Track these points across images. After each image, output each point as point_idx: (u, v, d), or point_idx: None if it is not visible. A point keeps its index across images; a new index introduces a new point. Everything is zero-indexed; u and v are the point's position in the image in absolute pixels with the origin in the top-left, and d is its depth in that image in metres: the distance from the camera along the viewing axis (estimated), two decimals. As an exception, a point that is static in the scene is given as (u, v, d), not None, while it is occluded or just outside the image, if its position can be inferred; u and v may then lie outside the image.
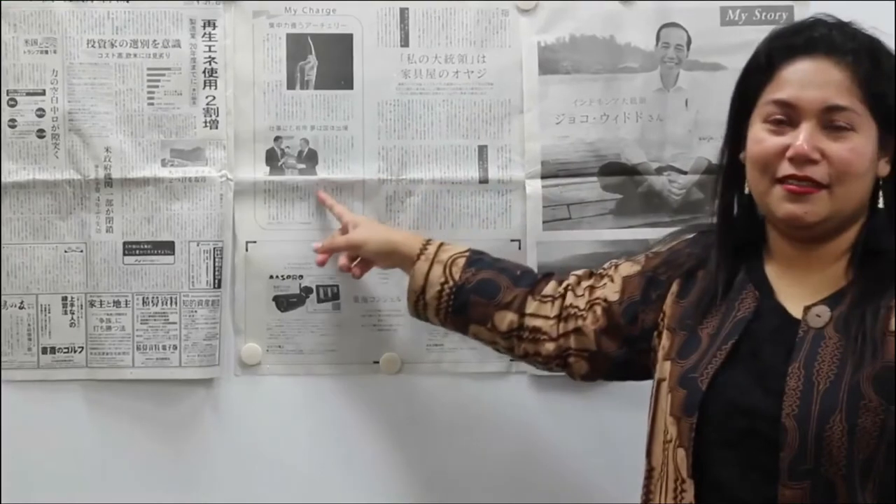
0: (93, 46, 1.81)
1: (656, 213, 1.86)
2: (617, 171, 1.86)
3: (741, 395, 1.30)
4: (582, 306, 1.54)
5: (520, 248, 1.86)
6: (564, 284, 1.58)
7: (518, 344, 1.58)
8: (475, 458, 1.87)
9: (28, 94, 1.80)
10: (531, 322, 1.57)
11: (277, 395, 1.85)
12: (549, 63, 1.85)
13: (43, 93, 1.81)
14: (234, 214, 1.83)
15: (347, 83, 1.84)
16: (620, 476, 1.85)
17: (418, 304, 1.64)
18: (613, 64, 1.86)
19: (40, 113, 1.81)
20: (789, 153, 1.30)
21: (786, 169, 1.31)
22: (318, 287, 1.85)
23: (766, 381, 1.29)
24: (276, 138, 1.84)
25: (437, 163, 1.85)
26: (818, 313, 1.31)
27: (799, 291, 1.34)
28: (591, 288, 1.55)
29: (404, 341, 1.86)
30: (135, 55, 1.81)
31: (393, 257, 1.69)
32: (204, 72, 1.82)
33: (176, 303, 1.83)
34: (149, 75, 1.82)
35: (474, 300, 1.59)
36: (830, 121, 1.30)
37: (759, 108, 1.35)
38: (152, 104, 1.82)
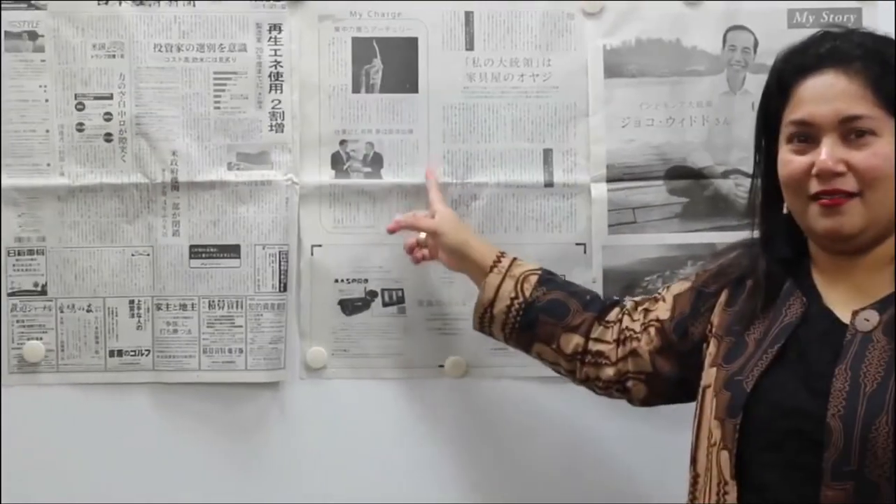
0: (160, 50, 1.81)
1: (723, 216, 1.85)
2: (683, 175, 1.85)
3: (786, 396, 1.30)
4: (637, 329, 1.55)
5: (585, 251, 1.86)
6: (623, 309, 1.59)
7: (580, 368, 1.59)
8: (540, 462, 1.87)
9: (96, 97, 1.81)
10: (595, 346, 1.58)
11: (342, 399, 1.86)
12: (615, 66, 1.85)
13: (110, 97, 1.81)
14: (299, 218, 1.84)
15: (412, 87, 1.84)
16: (679, 484, 1.86)
17: (485, 317, 1.65)
18: (679, 67, 1.85)
19: (108, 117, 1.81)
20: (814, 170, 1.32)
21: (815, 186, 1.32)
22: (383, 291, 1.85)
23: (812, 383, 1.29)
24: (342, 142, 1.84)
25: (501, 166, 1.85)
26: (867, 317, 1.31)
27: (846, 297, 1.34)
28: (646, 311, 1.56)
29: (469, 345, 1.86)
30: (201, 59, 1.82)
31: (464, 260, 1.69)
32: (270, 76, 1.83)
33: (242, 306, 1.83)
34: (215, 79, 1.82)
35: (543, 319, 1.60)
36: (849, 131, 1.31)
37: (782, 130, 1.37)
38: (219, 108, 1.82)
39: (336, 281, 1.85)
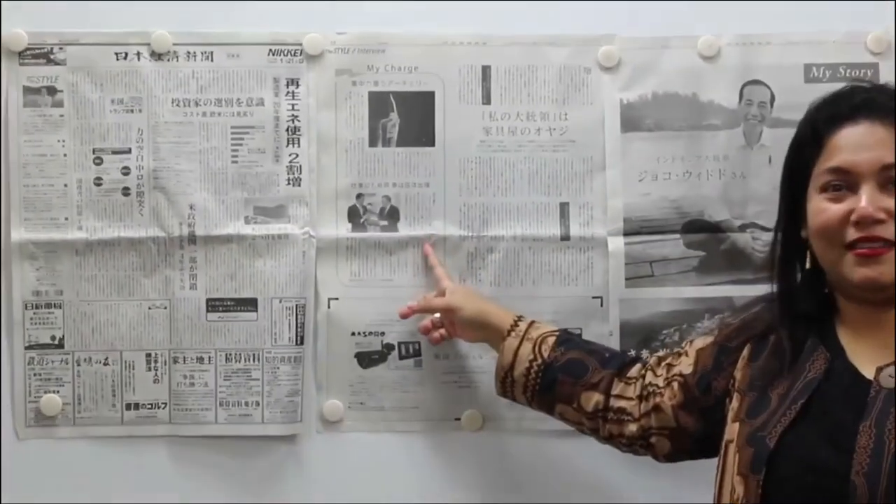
0: (177, 105, 1.82)
1: (740, 270, 1.85)
2: (700, 229, 1.85)
3: (810, 452, 1.30)
4: (661, 384, 1.55)
5: (602, 305, 1.86)
6: (645, 365, 1.59)
7: (603, 425, 1.59)
8: (556, 515, 1.87)
9: (114, 152, 1.82)
10: (616, 403, 1.57)
11: (359, 452, 1.85)
12: (632, 120, 1.85)
13: (128, 151, 1.82)
14: (316, 271, 1.84)
15: (429, 140, 1.85)
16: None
17: (506, 381, 1.65)
18: (696, 121, 1.85)
19: (126, 171, 1.82)
20: (854, 217, 1.32)
21: (853, 234, 1.32)
22: (399, 344, 1.85)
23: (836, 440, 1.29)
24: (359, 195, 1.85)
25: (518, 220, 1.85)
26: (891, 374, 1.31)
27: (871, 353, 1.34)
28: (669, 366, 1.56)
29: (486, 398, 1.85)
30: (219, 114, 1.83)
31: (484, 329, 1.70)
32: (287, 130, 1.83)
33: (259, 359, 1.83)
34: (233, 133, 1.83)
35: (562, 379, 1.60)
36: (888, 178, 1.32)
37: (814, 180, 1.38)
38: (236, 162, 1.83)
39: (353, 334, 1.85)
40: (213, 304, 1.83)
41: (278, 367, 1.83)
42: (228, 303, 1.84)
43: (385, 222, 1.85)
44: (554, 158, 1.86)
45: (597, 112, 1.86)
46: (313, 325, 1.84)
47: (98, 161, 1.82)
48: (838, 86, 1.80)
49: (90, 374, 1.83)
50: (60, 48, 1.81)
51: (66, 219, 1.82)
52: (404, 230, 1.85)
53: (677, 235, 1.85)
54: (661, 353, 1.62)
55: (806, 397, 1.33)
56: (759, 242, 1.85)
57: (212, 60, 1.82)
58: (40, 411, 1.82)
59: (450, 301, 1.73)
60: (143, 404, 1.84)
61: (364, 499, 1.85)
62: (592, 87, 1.86)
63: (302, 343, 1.84)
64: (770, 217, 1.83)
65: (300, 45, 1.83)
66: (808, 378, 1.36)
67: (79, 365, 1.83)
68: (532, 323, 1.67)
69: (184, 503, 1.83)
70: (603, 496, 1.86)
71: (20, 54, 1.80)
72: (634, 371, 1.59)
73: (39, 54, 1.81)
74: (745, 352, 1.47)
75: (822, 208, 1.35)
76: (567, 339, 1.65)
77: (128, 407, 1.84)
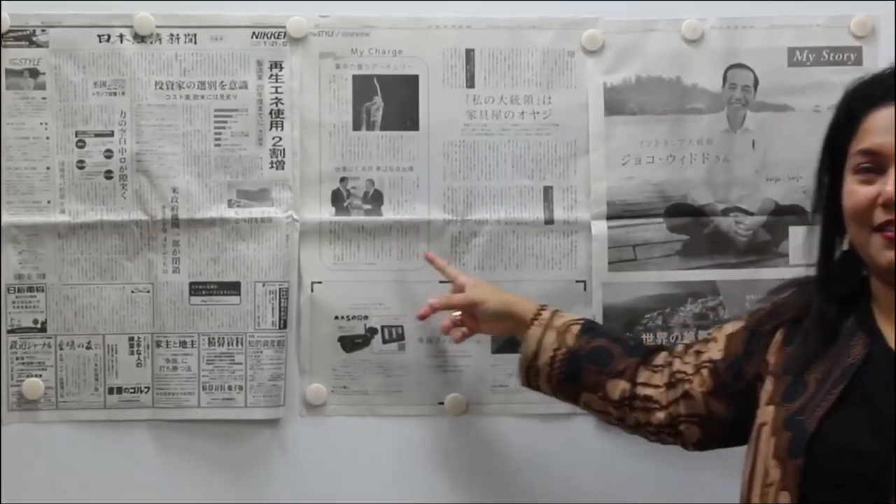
0: (160, 88, 1.82)
1: (723, 254, 1.86)
2: (683, 213, 1.85)
3: (850, 437, 1.28)
4: (689, 371, 1.52)
5: (585, 289, 1.86)
6: (673, 352, 1.57)
7: (630, 413, 1.57)
8: (540, 499, 1.86)
9: (96, 135, 1.82)
10: (643, 391, 1.55)
11: (342, 436, 1.85)
12: (615, 104, 1.85)
13: (111, 134, 1.82)
14: (299, 255, 1.84)
15: (413, 124, 1.85)
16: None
17: (530, 371, 1.63)
18: (680, 105, 1.85)
19: (108, 154, 1.82)
20: (880, 200, 1.30)
21: (880, 216, 1.30)
22: (383, 328, 1.85)
23: (877, 425, 1.27)
24: (342, 179, 1.85)
25: (502, 204, 1.85)
26: None
27: None
28: (698, 352, 1.54)
29: (470, 382, 1.86)
30: (202, 96, 1.82)
31: (508, 320, 1.67)
32: (270, 113, 1.83)
33: (241, 343, 1.83)
34: (216, 117, 1.82)
35: (587, 367, 1.58)
36: None
37: (849, 161, 1.35)
38: (219, 145, 1.82)
39: (336, 318, 1.85)
40: (196, 288, 1.83)
41: (261, 351, 1.83)
42: (211, 286, 1.83)
43: (369, 206, 1.85)
44: (538, 142, 1.85)
45: (580, 96, 1.85)
46: (296, 308, 1.84)
47: (81, 144, 1.81)
48: (821, 69, 1.85)
49: (73, 357, 1.83)
50: (43, 30, 1.80)
51: (49, 202, 1.81)
52: (388, 214, 1.85)
53: (660, 219, 1.85)
54: (687, 341, 1.60)
55: (846, 382, 1.31)
56: (742, 226, 1.85)
57: (195, 43, 1.82)
58: (22, 395, 1.82)
59: (471, 296, 1.70)
60: (126, 388, 1.83)
61: (347, 482, 1.85)
62: (576, 71, 1.85)
63: (285, 327, 1.83)
64: (753, 201, 1.86)
65: (283, 28, 1.83)
66: (847, 363, 1.33)
67: (61, 349, 1.83)
68: (556, 312, 1.65)
69: (166, 487, 1.83)
70: (586, 479, 1.86)
71: (2, 36, 1.79)
72: (660, 359, 1.57)
73: (21, 36, 1.80)
74: (779, 336, 1.44)
75: (853, 190, 1.33)
76: (591, 327, 1.63)
77: (110, 391, 1.83)
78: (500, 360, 1.85)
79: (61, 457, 1.83)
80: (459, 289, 1.73)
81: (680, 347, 1.58)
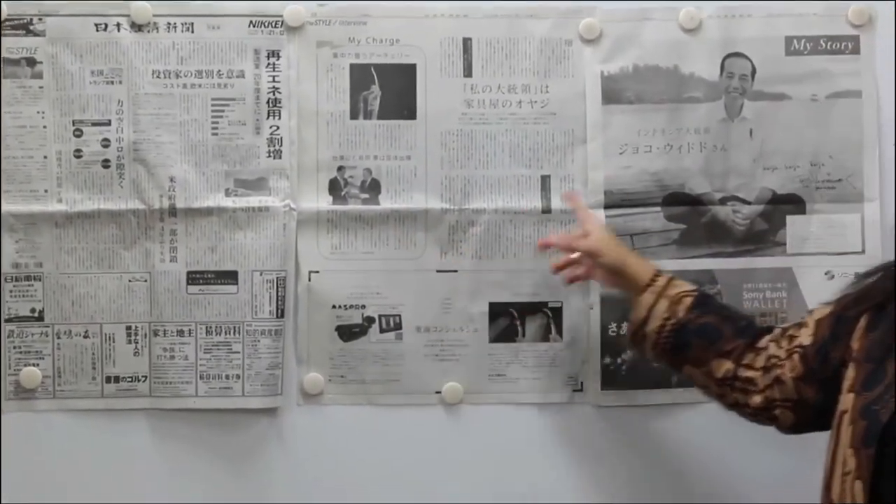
0: (158, 77, 1.81)
1: (720, 243, 1.86)
2: (680, 202, 1.85)
3: None
4: (782, 356, 1.51)
5: (583, 278, 1.86)
6: (771, 336, 1.55)
7: (730, 393, 1.56)
8: (537, 488, 1.86)
9: (93, 124, 1.81)
10: (744, 373, 1.54)
11: (340, 425, 1.85)
12: (613, 93, 1.85)
13: (108, 123, 1.81)
14: (297, 244, 1.84)
15: (410, 113, 1.84)
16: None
17: (637, 334, 1.63)
18: (677, 94, 1.85)
19: (105, 143, 1.81)
20: None
21: None
22: (380, 317, 1.85)
23: None
24: (340, 168, 1.84)
25: (499, 193, 1.85)
26: None
27: None
28: (791, 337, 1.52)
29: (467, 371, 1.86)
30: (199, 85, 1.82)
31: (622, 278, 1.67)
32: (268, 102, 1.83)
33: (239, 332, 1.83)
34: (213, 106, 1.82)
35: (695, 342, 1.57)
36: None
37: None
38: (216, 134, 1.82)
39: (333, 307, 1.85)
40: (194, 277, 1.83)
41: (259, 340, 1.83)
42: (209, 275, 1.83)
43: (366, 195, 1.85)
44: (535, 131, 1.85)
45: (578, 84, 1.85)
46: (294, 297, 1.84)
47: (78, 133, 1.81)
48: (818, 58, 1.85)
49: (70, 346, 1.82)
50: (40, 19, 1.80)
51: (46, 191, 1.81)
52: (385, 203, 1.85)
53: (658, 208, 1.85)
54: (786, 325, 1.57)
55: None
56: (739, 215, 1.85)
57: (192, 32, 1.82)
58: (20, 384, 1.82)
59: (593, 244, 1.68)
60: (123, 377, 1.83)
61: (344, 471, 1.85)
62: (573, 60, 1.85)
63: (282, 316, 1.83)
64: (750, 190, 1.86)
65: (281, 16, 1.82)
66: None
67: (58, 338, 1.82)
68: (671, 280, 1.63)
69: (164, 476, 1.83)
70: (583, 467, 1.87)
71: (0, 25, 1.80)
72: (764, 341, 1.55)
73: (19, 25, 1.80)
74: (863, 321, 1.42)
75: None
76: (704, 301, 1.61)
77: (108, 380, 1.83)
78: (497, 350, 1.86)
79: (59, 446, 1.82)
80: (585, 234, 1.70)
81: (778, 331, 1.55)
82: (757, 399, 1.53)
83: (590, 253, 1.69)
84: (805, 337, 1.50)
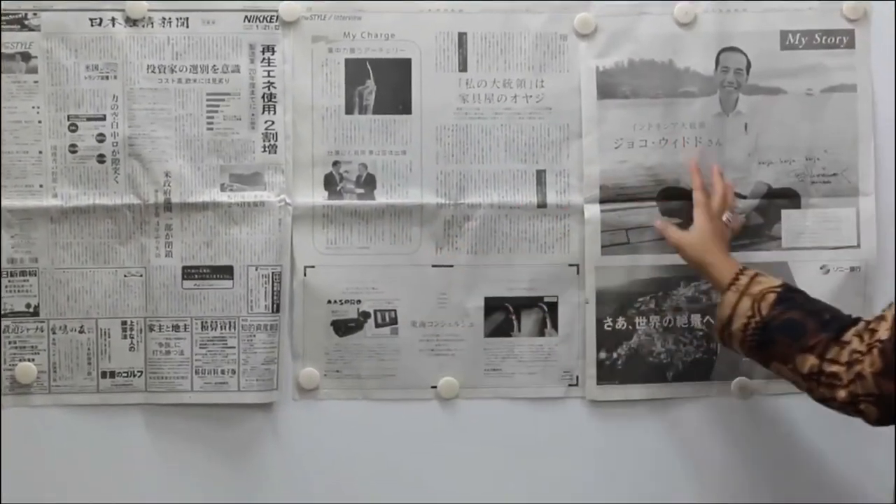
0: (153, 72, 1.81)
1: (716, 237, 1.86)
2: (676, 196, 1.85)
3: None
4: (864, 350, 1.49)
5: (578, 272, 1.86)
6: (855, 329, 1.53)
7: (817, 388, 1.54)
8: (532, 483, 1.86)
9: (88, 119, 1.81)
10: (829, 367, 1.52)
11: (335, 420, 1.85)
12: (608, 87, 1.85)
13: (103, 118, 1.81)
14: (292, 239, 1.84)
15: (406, 108, 1.84)
16: (679, 500, 1.87)
17: (724, 333, 1.63)
18: (672, 88, 1.85)
19: (101, 138, 1.81)
20: None
21: None
22: (376, 312, 1.85)
23: None
24: (335, 163, 1.84)
25: (495, 187, 1.85)
26: None
27: None
28: (872, 331, 1.50)
29: (462, 366, 1.86)
30: (194, 80, 1.82)
31: (705, 276, 1.71)
32: (263, 97, 1.83)
33: (234, 327, 1.83)
34: (208, 100, 1.82)
35: (779, 339, 1.57)
36: None
37: None
38: (211, 129, 1.82)
39: (329, 302, 1.85)
40: (189, 272, 1.83)
41: (254, 335, 1.83)
42: (204, 270, 1.83)
43: (361, 190, 1.85)
44: (530, 126, 1.85)
45: (573, 79, 1.85)
46: (289, 292, 1.84)
47: (73, 128, 1.81)
48: (813, 52, 1.85)
49: (65, 341, 1.82)
50: (34, 14, 1.80)
51: (41, 186, 1.81)
52: (381, 198, 1.85)
53: (653, 203, 1.85)
54: (869, 318, 1.55)
55: None
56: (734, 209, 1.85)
57: (187, 27, 1.82)
58: (15, 379, 1.82)
59: (678, 238, 1.75)
60: (119, 372, 1.83)
61: (340, 466, 1.85)
62: (569, 55, 1.85)
63: (278, 311, 1.83)
64: (745, 185, 1.86)
65: (276, 11, 1.82)
66: None
67: (54, 333, 1.82)
68: (754, 276, 1.63)
69: (159, 471, 1.83)
70: (578, 462, 1.87)
71: (-6, 20, 1.80)
72: (849, 335, 1.53)
73: (13, 20, 1.79)
74: None
75: None
76: (788, 297, 1.60)
77: (103, 375, 1.83)
78: (493, 344, 1.86)
79: (54, 441, 1.82)
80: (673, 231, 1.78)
81: (862, 324, 1.54)
82: (842, 394, 1.50)
83: (674, 244, 1.75)
84: (883, 331, 1.48)
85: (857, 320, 1.55)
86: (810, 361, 1.53)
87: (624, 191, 1.85)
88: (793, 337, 1.56)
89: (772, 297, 1.59)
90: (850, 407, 1.51)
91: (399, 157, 1.85)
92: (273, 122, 1.83)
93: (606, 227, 1.85)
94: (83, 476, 1.82)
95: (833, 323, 1.56)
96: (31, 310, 1.82)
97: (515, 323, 1.86)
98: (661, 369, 1.87)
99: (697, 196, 1.78)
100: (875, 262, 1.87)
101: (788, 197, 1.86)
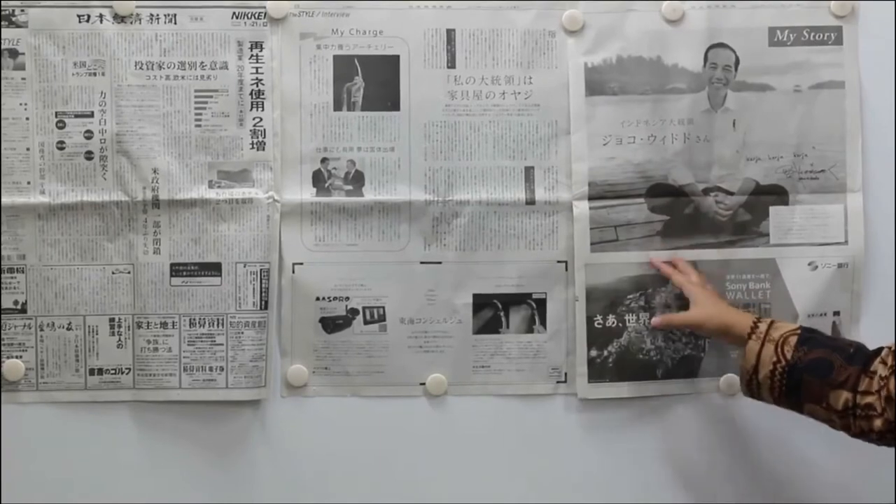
0: (140, 68, 1.81)
1: (703, 234, 1.86)
2: (664, 193, 1.85)
3: None
4: (887, 375, 1.49)
5: (567, 269, 1.86)
6: (880, 357, 1.52)
7: (854, 422, 1.53)
8: (521, 480, 1.86)
9: (76, 115, 1.81)
10: (863, 399, 1.51)
11: (323, 417, 1.85)
12: (596, 84, 1.85)
13: (91, 115, 1.81)
14: (280, 236, 1.83)
15: (394, 104, 1.84)
16: (668, 498, 1.87)
17: (752, 384, 1.62)
18: (661, 85, 1.85)
19: (88, 135, 1.81)
20: None
21: None
22: (364, 308, 1.85)
23: None
24: (323, 160, 1.84)
25: (483, 184, 1.85)
26: None
27: None
28: (895, 354, 1.51)
29: (451, 363, 1.86)
30: (182, 77, 1.82)
31: (726, 337, 1.69)
32: (251, 93, 1.83)
33: (223, 324, 1.83)
34: (196, 97, 1.82)
35: (808, 380, 1.55)
36: None
37: None
38: (199, 126, 1.82)
39: (317, 299, 1.84)
40: (177, 269, 1.83)
41: (242, 332, 1.83)
42: (192, 267, 1.83)
43: (350, 187, 1.85)
44: (519, 122, 1.85)
45: (561, 76, 1.85)
46: (277, 289, 1.84)
47: (61, 125, 1.81)
48: (801, 49, 1.86)
49: (53, 339, 1.82)
50: (22, 10, 1.79)
51: (29, 183, 1.81)
52: (369, 195, 1.84)
53: (641, 199, 1.85)
54: (892, 344, 1.54)
55: None
56: (722, 206, 1.85)
57: (175, 23, 1.81)
58: (3, 376, 1.81)
59: (691, 318, 1.74)
60: (107, 369, 1.83)
61: (328, 463, 1.85)
62: (557, 51, 1.85)
63: (266, 308, 1.83)
64: (734, 181, 1.86)
65: (264, 8, 1.82)
66: None
67: (42, 330, 1.82)
68: (772, 323, 1.63)
69: (148, 468, 1.83)
70: (566, 458, 1.87)
71: (-19, 17, 1.80)
72: (875, 364, 1.52)
73: (1, 16, 1.79)
74: None
75: None
76: (809, 337, 1.59)
77: (91, 372, 1.83)
78: (481, 341, 1.86)
79: (42, 438, 1.82)
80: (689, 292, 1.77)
81: (885, 349, 1.52)
82: (878, 423, 1.49)
83: (690, 327, 1.77)
84: None
85: (880, 350, 1.54)
86: (844, 396, 1.52)
87: (612, 187, 1.85)
88: (821, 375, 1.54)
89: (793, 339, 1.58)
90: (889, 435, 1.49)
91: (387, 153, 1.85)
92: (261, 119, 1.83)
93: (595, 224, 1.85)
94: (71, 473, 1.82)
95: (858, 355, 1.54)
96: (19, 307, 1.82)
97: (504, 320, 1.86)
98: (651, 367, 1.87)
99: (677, 278, 1.80)
100: (863, 258, 1.87)
101: (776, 193, 1.86)
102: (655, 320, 1.80)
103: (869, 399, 1.50)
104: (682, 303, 1.85)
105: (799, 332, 1.60)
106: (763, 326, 1.62)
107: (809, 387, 1.55)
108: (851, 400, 1.51)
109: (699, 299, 1.75)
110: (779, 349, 1.58)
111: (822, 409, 1.55)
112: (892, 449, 1.49)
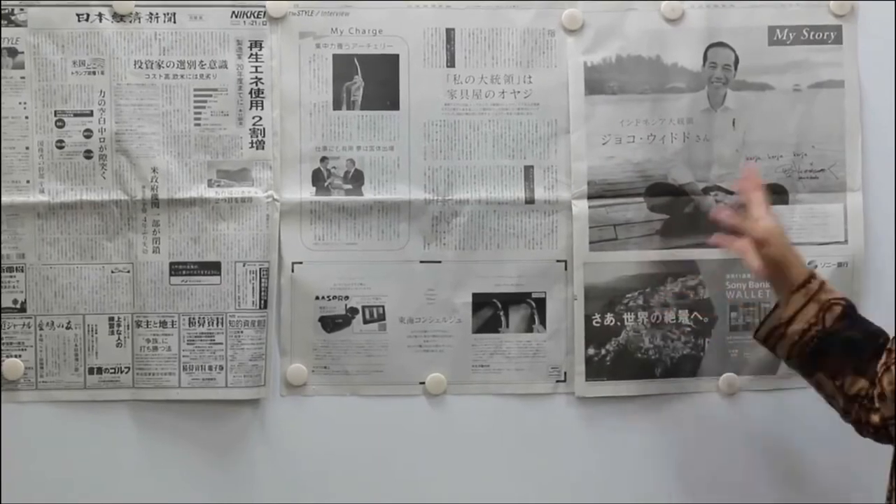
0: (140, 67, 1.81)
1: (703, 233, 1.85)
2: (663, 192, 1.85)
3: None
4: (881, 370, 1.49)
5: (566, 268, 1.86)
6: (887, 349, 1.52)
7: (856, 410, 1.52)
8: (520, 479, 1.86)
9: (75, 114, 1.81)
10: (873, 391, 1.50)
11: (323, 416, 1.85)
12: (596, 83, 1.85)
13: (90, 114, 1.81)
14: (280, 235, 1.83)
15: (393, 104, 1.84)
16: (666, 497, 1.87)
17: (775, 332, 1.58)
18: (660, 84, 1.85)
19: (88, 134, 1.81)
20: None
21: None
22: (363, 308, 1.85)
23: None
24: (323, 159, 1.84)
25: (483, 183, 1.85)
26: None
27: None
28: (889, 350, 1.50)
29: (450, 362, 1.86)
30: (181, 76, 1.82)
31: (778, 273, 1.60)
32: (250, 92, 1.82)
33: (222, 323, 1.83)
34: (195, 96, 1.82)
35: (835, 353, 1.53)
36: None
37: None
38: (199, 125, 1.82)
39: (317, 298, 1.84)
40: (177, 268, 1.83)
41: (242, 331, 1.83)
42: (192, 266, 1.83)
43: (349, 186, 1.85)
44: (518, 121, 1.85)
45: (561, 75, 1.85)
46: (277, 288, 1.84)
47: (60, 123, 1.81)
48: (801, 48, 1.86)
49: (53, 338, 1.82)
50: (21, 9, 1.79)
51: (28, 182, 1.81)
52: (368, 194, 1.84)
53: (641, 199, 1.85)
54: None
55: None
56: (722, 205, 1.85)
57: (174, 22, 1.81)
58: (2, 375, 1.81)
59: (762, 233, 1.60)
60: (106, 368, 1.83)
61: (328, 462, 1.85)
62: (556, 50, 1.85)
63: (265, 307, 1.83)
64: (733, 180, 1.86)
65: (263, 7, 1.82)
66: None
67: (41, 329, 1.82)
68: (823, 284, 1.58)
69: (147, 467, 1.83)
70: (565, 457, 1.87)
71: (-19, 16, 1.79)
72: (884, 356, 1.50)
73: (0, 15, 1.79)
74: None
75: None
76: (852, 314, 1.56)
77: (90, 371, 1.83)
78: (481, 340, 1.86)
79: (41, 437, 1.82)
80: (755, 219, 1.62)
81: (892, 342, 1.51)
82: (874, 417, 1.49)
83: (757, 241, 1.61)
84: None
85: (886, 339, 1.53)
86: (860, 384, 1.51)
87: (612, 187, 1.85)
88: (851, 355, 1.52)
89: (838, 309, 1.55)
90: (882, 431, 1.49)
91: (387, 152, 1.85)
92: (260, 118, 1.83)
93: (594, 223, 1.85)
94: (70, 472, 1.82)
95: (882, 348, 1.52)
96: (18, 306, 1.82)
97: (503, 319, 1.86)
98: (650, 366, 1.87)
99: (758, 196, 1.66)
100: (862, 257, 1.87)
101: (776, 192, 1.86)
102: (714, 213, 1.70)
103: (873, 392, 1.50)
104: (682, 301, 1.85)
105: (844, 303, 1.57)
106: (814, 284, 1.57)
107: (833, 360, 1.53)
108: (866, 389, 1.50)
109: (772, 223, 1.62)
110: (821, 313, 1.55)
111: (833, 386, 1.54)
112: (893, 448, 1.48)
